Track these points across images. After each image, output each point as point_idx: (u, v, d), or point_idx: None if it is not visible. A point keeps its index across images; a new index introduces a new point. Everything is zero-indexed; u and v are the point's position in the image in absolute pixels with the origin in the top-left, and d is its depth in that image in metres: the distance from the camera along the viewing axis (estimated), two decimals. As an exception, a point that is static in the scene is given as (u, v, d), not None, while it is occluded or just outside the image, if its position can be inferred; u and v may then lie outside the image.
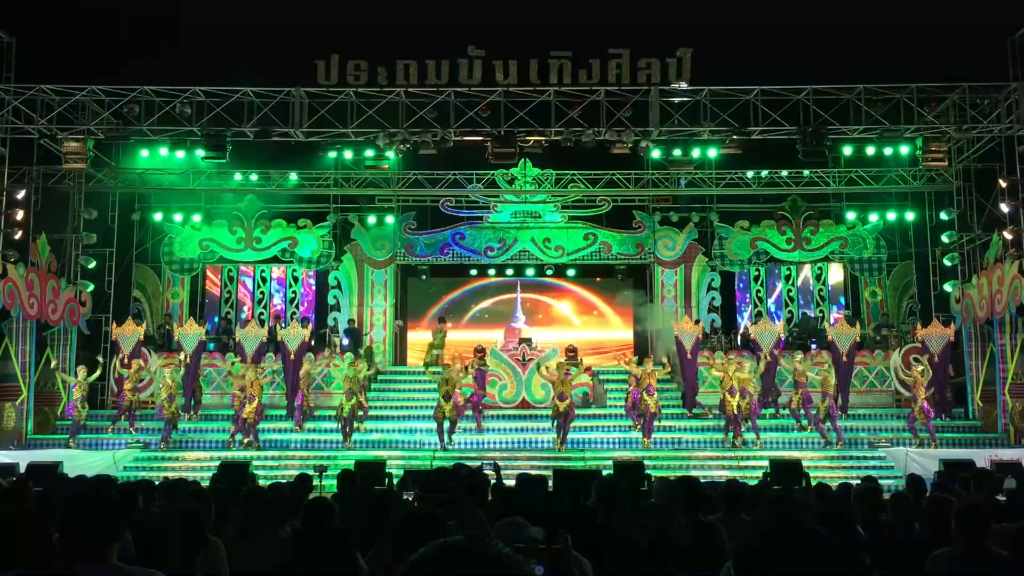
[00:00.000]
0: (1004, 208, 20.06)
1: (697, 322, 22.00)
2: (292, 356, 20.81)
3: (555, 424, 19.06)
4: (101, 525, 3.31)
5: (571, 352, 22.09)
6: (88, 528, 3.29)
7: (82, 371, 19.76)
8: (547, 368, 19.82)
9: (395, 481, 13.65)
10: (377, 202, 24.27)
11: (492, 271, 25.08)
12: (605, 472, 14.24)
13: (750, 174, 23.03)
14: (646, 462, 15.84)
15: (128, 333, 21.09)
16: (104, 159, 22.59)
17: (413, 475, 12.86)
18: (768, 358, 20.41)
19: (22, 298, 19.52)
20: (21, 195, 20.53)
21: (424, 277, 24.81)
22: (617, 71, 19.39)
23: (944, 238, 22.52)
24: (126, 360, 20.51)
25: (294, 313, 24.19)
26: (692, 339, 21.02)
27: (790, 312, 24.40)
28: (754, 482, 11.90)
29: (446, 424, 19.04)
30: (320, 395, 21.54)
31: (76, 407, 19.37)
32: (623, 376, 20.80)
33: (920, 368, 19.46)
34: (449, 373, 19.21)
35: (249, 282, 24.95)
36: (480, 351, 21.45)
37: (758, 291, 24.73)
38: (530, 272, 24.88)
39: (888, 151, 20.75)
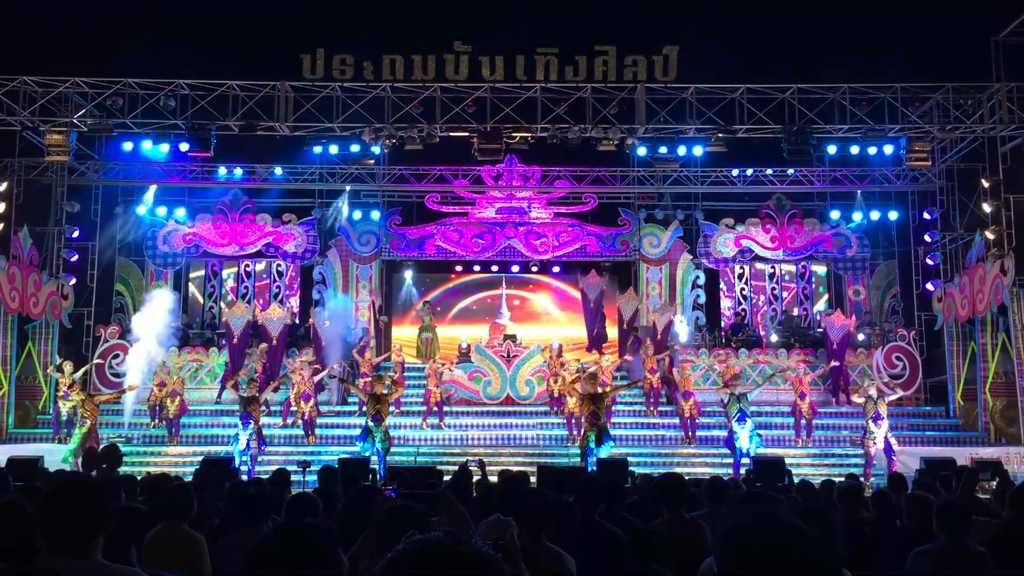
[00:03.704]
0: (986, 208, 20.20)
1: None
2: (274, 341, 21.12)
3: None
4: (86, 519, 3.27)
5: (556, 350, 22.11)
6: (72, 522, 3.25)
7: (68, 366, 19.55)
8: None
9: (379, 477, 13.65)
10: (362, 197, 24.20)
11: (477, 267, 25.07)
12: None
13: (735, 172, 23.11)
14: (630, 459, 15.88)
15: (275, 317, 21.19)
16: (87, 152, 22.44)
17: (396, 471, 12.84)
18: (835, 347, 20.92)
19: (3, 291, 19.37)
20: (3, 187, 20.39)
21: (408, 273, 24.78)
22: (603, 68, 19.43)
23: (927, 237, 22.67)
24: (275, 343, 20.89)
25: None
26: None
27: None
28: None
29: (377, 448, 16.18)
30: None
31: (60, 402, 19.18)
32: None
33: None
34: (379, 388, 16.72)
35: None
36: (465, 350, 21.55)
37: (743, 289, 24.80)
38: (515, 268, 24.87)
39: (872, 150, 20.82)
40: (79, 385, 18.40)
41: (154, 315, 19.61)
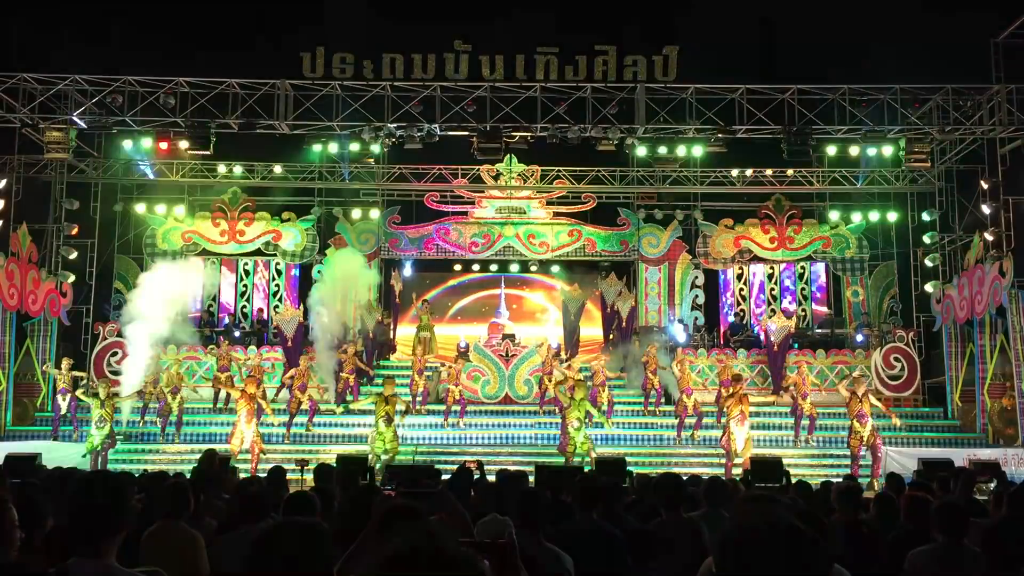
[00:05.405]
0: (985, 209, 20.19)
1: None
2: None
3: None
4: (112, 514, 3.23)
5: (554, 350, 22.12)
6: (90, 522, 3.20)
7: (66, 363, 19.55)
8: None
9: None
10: (362, 196, 24.18)
11: (476, 266, 25.07)
12: (587, 468, 14.29)
13: (735, 172, 23.11)
14: (628, 459, 15.84)
15: (288, 317, 21.40)
16: (87, 149, 22.43)
17: (394, 470, 12.82)
18: (776, 349, 21.14)
19: (2, 288, 19.35)
20: (2, 184, 20.36)
21: (407, 271, 24.76)
22: (603, 68, 19.42)
23: (926, 238, 22.68)
24: (290, 344, 21.00)
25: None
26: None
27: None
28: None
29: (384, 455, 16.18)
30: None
31: (60, 400, 19.17)
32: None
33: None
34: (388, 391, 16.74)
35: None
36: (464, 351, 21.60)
37: (741, 289, 24.81)
38: (514, 268, 24.87)
39: (872, 151, 20.79)
40: (105, 384, 18.05)
41: (167, 292, 19.44)
